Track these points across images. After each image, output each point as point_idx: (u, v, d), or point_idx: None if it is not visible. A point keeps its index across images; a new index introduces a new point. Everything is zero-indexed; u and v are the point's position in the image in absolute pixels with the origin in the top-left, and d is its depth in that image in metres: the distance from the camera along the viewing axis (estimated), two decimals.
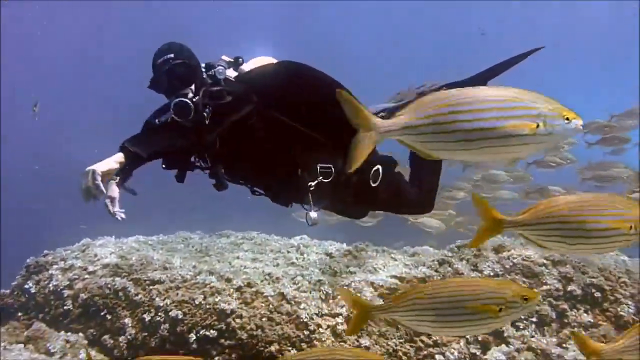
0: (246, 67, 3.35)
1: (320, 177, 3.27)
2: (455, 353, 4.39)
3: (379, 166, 3.53)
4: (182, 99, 2.96)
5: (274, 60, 3.46)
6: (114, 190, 2.88)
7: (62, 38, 21.37)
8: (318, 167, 3.27)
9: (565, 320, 4.59)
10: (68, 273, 5.30)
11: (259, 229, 7.49)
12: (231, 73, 3.27)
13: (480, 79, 3.61)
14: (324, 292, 5.00)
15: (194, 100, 2.98)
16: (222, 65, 3.17)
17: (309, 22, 23.62)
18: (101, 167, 2.66)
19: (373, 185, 3.50)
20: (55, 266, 5.41)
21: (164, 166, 3.15)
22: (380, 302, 4.83)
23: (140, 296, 4.93)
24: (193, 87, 3.05)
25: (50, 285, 5.21)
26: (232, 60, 3.29)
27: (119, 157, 2.75)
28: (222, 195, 3.39)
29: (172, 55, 3.02)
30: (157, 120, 3.11)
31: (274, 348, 4.44)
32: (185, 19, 19.59)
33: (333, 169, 3.32)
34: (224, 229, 7.57)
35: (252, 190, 3.46)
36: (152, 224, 7.52)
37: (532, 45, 3.28)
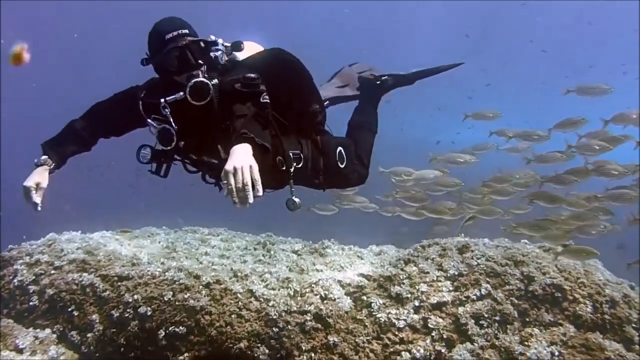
0: (238, 53, 3.27)
1: (294, 163, 3.30)
2: (422, 350, 4.48)
3: (340, 148, 3.65)
4: (201, 79, 2.86)
5: (261, 47, 3.44)
6: (45, 178, 2.84)
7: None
8: (291, 154, 3.30)
9: (527, 319, 4.73)
10: (34, 268, 5.24)
11: (217, 224, 7.52)
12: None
13: (412, 78, 4.24)
14: (292, 289, 5.07)
15: (212, 83, 2.88)
16: (221, 50, 3.07)
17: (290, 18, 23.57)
18: (253, 161, 2.37)
19: (341, 166, 3.62)
20: (20, 261, 5.32)
21: (143, 161, 3.07)
22: (349, 300, 4.91)
23: (108, 292, 4.90)
24: (204, 68, 2.95)
25: (15, 280, 5.12)
26: (230, 45, 3.14)
27: (248, 147, 2.45)
28: (182, 189, 3.32)
29: (186, 31, 2.90)
30: (165, 102, 2.90)
31: (243, 345, 4.49)
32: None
33: (301, 154, 3.38)
34: (188, 224, 7.56)
35: (204, 179, 3.38)
36: (118, 219, 7.46)
37: None
